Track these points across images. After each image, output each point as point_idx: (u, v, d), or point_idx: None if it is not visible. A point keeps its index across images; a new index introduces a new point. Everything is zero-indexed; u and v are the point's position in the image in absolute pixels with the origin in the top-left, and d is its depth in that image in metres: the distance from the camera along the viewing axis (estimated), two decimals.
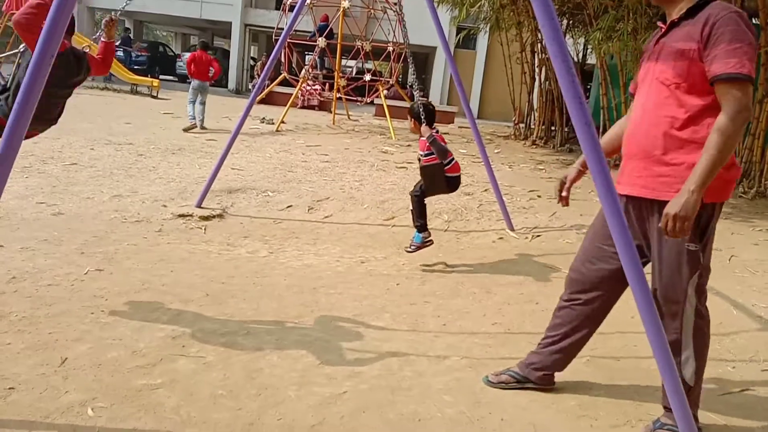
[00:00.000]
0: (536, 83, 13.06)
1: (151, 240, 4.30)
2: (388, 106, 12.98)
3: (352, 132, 11.89)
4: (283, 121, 11.26)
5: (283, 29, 5.42)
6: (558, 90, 11.64)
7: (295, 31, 9.88)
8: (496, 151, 10.51)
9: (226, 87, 23.69)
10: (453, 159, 4.18)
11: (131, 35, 24.34)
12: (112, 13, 3.03)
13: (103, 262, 3.71)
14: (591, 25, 9.68)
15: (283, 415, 2.22)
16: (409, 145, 10.35)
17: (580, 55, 12.90)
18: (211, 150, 7.90)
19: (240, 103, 14.72)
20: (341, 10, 12.10)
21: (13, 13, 17.55)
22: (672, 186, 2.03)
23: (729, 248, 4.89)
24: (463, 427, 2.24)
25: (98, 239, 4.14)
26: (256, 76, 21.38)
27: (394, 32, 13.46)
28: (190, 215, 4.97)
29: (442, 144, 4.11)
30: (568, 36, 12.35)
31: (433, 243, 4.37)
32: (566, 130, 11.99)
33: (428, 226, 4.33)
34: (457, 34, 15.31)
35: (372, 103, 15.26)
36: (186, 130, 9.74)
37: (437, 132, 4.15)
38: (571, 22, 12.05)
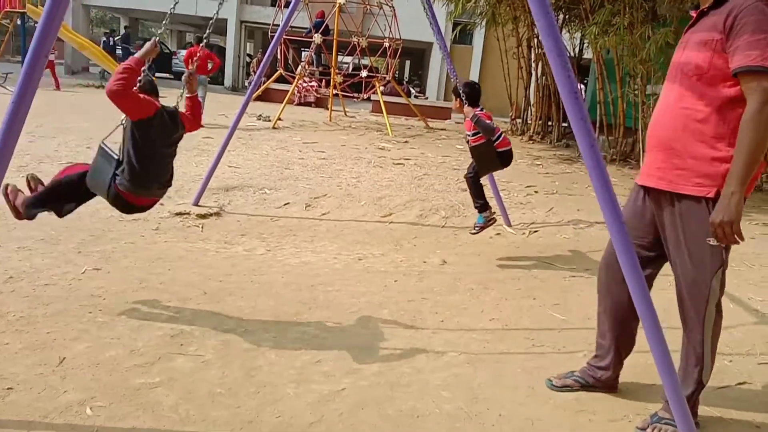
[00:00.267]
0: (533, 78, 13.05)
1: (148, 238, 4.29)
2: (384, 102, 12.96)
3: (349, 129, 11.88)
4: (279, 118, 11.24)
5: (278, 26, 5.40)
6: (555, 85, 11.65)
7: (291, 27, 9.86)
8: None
9: (222, 84, 23.63)
10: (501, 134, 4.19)
11: (130, 33, 24.23)
12: (190, 69, 3.08)
13: (100, 261, 3.70)
14: (587, 20, 9.68)
15: (282, 412, 2.22)
16: (405, 142, 10.35)
17: (577, 49, 12.88)
18: (207, 148, 7.88)
19: (236, 100, 14.69)
20: (337, 6, 12.08)
21: (7, 11, 17.36)
22: (689, 179, 2.01)
23: None
24: (462, 422, 2.25)
25: (95, 238, 4.14)
26: (252, 73, 21.34)
27: (390, 28, 13.45)
28: (187, 213, 4.97)
29: (487, 121, 4.09)
30: (564, 30, 12.32)
31: (495, 221, 4.45)
32: (563, 125, 12.00)
33: (483, 208, 4.38)
34: (453, 30, 15.28)
35: (369, 99, 15.25)
36: None
37: (482, 110, 4.13)
38: (567, 16, 12.04)
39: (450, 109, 16.70)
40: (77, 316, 2.88)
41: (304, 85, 16.05)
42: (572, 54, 12.65)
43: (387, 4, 13.50)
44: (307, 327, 3.00)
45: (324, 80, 15.17)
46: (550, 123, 12.79)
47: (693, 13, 2.12)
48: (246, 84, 23.50)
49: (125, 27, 24.95)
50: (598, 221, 5.37)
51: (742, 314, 3.57)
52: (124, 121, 2.67)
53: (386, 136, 10.92)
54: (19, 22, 17.83)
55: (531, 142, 12.15)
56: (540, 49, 12.27)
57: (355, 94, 14.22)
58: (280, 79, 14.43)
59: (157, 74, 22.45)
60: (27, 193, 2.98)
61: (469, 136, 4.23)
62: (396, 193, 6.07)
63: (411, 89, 23.29)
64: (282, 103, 12.10)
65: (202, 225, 4.79)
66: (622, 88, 9.67)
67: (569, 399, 2.48)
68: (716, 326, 2.15)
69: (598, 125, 10.46)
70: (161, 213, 4.92)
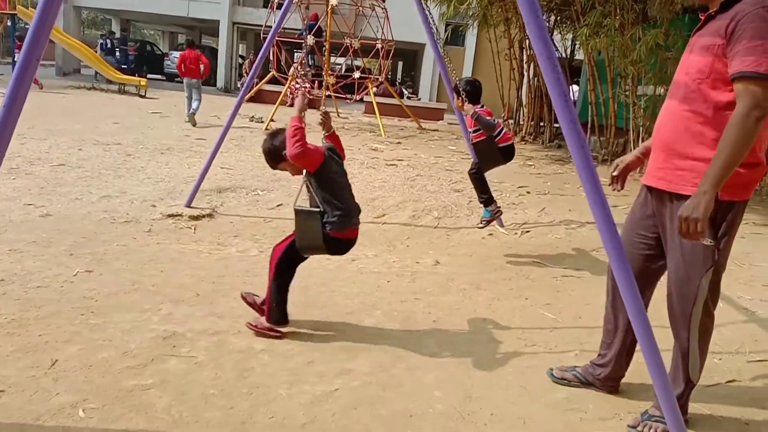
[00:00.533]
0: (525, 79, 13.10)
1: (140, 240, 4.28)
2: (377, 103, 12.97)
3: (342, 130, 11.87)
4: (272, 120, 11.24)
5: (271, 27, 5.40)
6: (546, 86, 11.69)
7: (284, 28, 9.85)
8: None
9: (215, 85, 23.58)
10: (502, 129, 4.24)
11: (127, 35, 24.12)
12: (322, 108, 3.20)
13: (92, 263, 3.69)
14: (578, 21, 9.72)
15: (275, 413, 2.23)
16: (398, 143, 10.37)
17: (568, 51, 12.94)
18: (200, 149, 7.87)
19: (228, 101, 14.66)
20: (329, 7, 12.07)
21: (5, 14, 17.24)
22: (689, 180, 2.04)
23: None
24: (454, 422, 2.26)
25: (87, 240, 4.13)
26: (245, 75, 21.31)
27: (382, 29, 13.46)
28: (180, 215, 4.96)
29: (487, 118, 4.16)
30: (556, 32, 12.39)
31: (502, 213, 4.52)
32: (555, 126, 12.05)
33: (489, 202, 4.45)
34: (445, 31, 15.32)
35: (361, 100, 15.25)
36: (193, 123, 10.57)
37: (482, 107, 4.18)
38: (558, 18, 12.10)
39: (443, 110, 16.74)
40: (69, 318, 2.88)
41: (297, 86, 16.04)
42: (564, 55, 12.71)
43: (379, 6, 13.52)
44: (300, 328, 3.00)
45: (317, 81, 15.15)
46: (542, 124, 12.84)
47: (702, 16, 2.13)
48: (238, 85, 23.47)
49: (122, 30, 24.83)
50: (590, 221, 5.40)
51: (731, 313, 3.60)
52: (305, 175, 2.85)
53: (379, 137, 10.94)
54: (9, 23, 17.73)
55: (523, 142, 12.18)
56: (531, 50, 12.32)
57: (348, 95, 14.22)
58: (273, 81, 14.41)
59: (148, 76, 22.38)
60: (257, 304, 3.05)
61: (471, 132, 4.29)
62: (389, 194, 6.08)
63: (404, 90, 23.34)
64: (275, 104, 12.09)
65: (195, 226, 4.78)
66: (613, 89, 9.72)
67: (561, 398, 2.50)
68: (704, 326, 2.17)
69: (589, 126, 10.51)
70: (153, 215, 4.91)
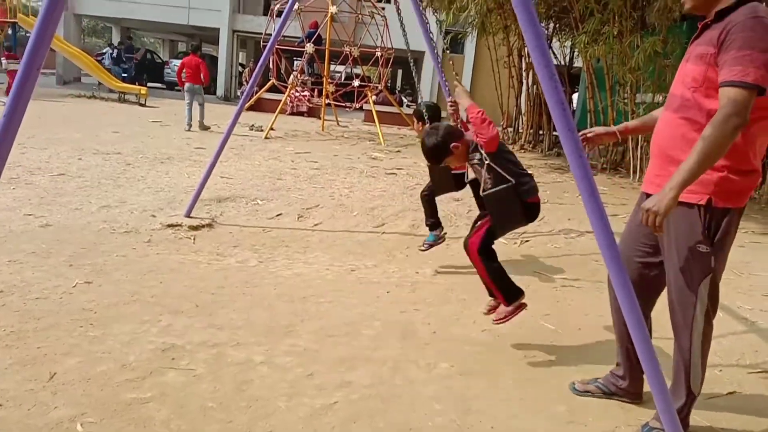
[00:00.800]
0: (524, 87, 13.14)
1: (140, 251, 4.28)
2: (377, 111, 13.00)
3: (342, 138, 11.91)
4: (272, 128, 11.26)
5: (271, 35, 5.42)
6: None
7: (284, 36, 9.89)
8: None
9: (215, 94, 23.64)
10: None
11: (132, 44, 24.10)
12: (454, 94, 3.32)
13: (91, 274, 3.69)
14: (577, 29, 9.77)
15: (274, 426, 2.22)
16: (398, 151, 10.38)
17: (567, 58, 12.98)
18: (199, 158, 7.88)
19: (228, 109, 14.70)
20: (329, 15, 12.13)
21: (5, 22, 17.31)
22: None
23: None
24: None
25: (87, 251, 4.12)
26: (245, 83, 21.37)
27: (381, 37, 13.51)
28: (180, 225, 4.96)
29: None
30: (555, 40, 12.44)
31: (445, 240, 4.62)
32: (554, 134, 12.07)
33: (435, 227, 4.56)
34: (444, 38, 15.37)
35: (361, 108, 15.29)
36: (205, 128, 11.16)
37: None
38: (557, 25, 12.16)
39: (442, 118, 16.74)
40: (68, 330, 2.87)
41: (297, 94, 16.09)
42: (563, 63, 12.76)
43: (379, 14, 13.58)
44: (299, 339, 3.00)
45: (316, 89, 15.20)
46: (541, 132, 12.87)
47: (700, 24, 2.15)
48: (238, 93, 23.53)
49: (128, 38, 24.86)
50: (589, 230, 5.40)
51: (731, 323, 3.59)
52: (485, 158, 2.90)
53: (378, 146, 10.96)
54: (10, 31, 17.80)
55: (522, 151, 12.21)
56: (530, 58, 12.35)
57: (348, 104, 14.26)
58: (273, 89, 14.45)
59: (149, 84, 22.43)
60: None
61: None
62: (388, 203, 6.08)
63: (403, 98, 23.40)
64: (274, 113, 12.12)
65: (194, 237, 4.78)
66: (612, 97, 9.75)
67: (561, 410, 2.49)
68: (704, 335, 2.17)
69: None
70: (153, 225, 4.91)
